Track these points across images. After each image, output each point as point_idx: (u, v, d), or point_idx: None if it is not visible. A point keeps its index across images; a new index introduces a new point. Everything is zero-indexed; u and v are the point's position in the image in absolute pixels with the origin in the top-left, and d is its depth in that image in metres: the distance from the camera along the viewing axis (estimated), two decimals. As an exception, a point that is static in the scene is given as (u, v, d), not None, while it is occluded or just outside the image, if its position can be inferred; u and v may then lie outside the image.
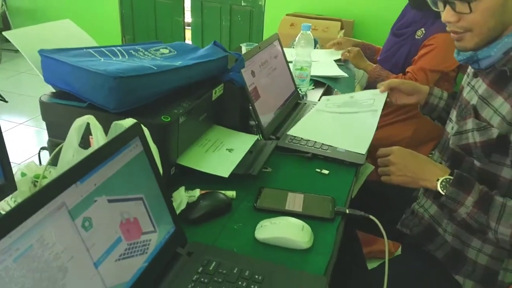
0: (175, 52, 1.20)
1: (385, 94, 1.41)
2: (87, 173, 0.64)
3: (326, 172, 1.18)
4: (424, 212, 1.19)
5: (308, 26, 1.70)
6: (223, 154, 1.12)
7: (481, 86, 1.04)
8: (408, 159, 1.10)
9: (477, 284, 1.08)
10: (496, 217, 0.96)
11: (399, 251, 1.65)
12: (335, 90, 1.89)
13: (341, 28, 3.26)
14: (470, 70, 1.13)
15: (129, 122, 0.82)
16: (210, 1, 4.17)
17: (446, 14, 1.00)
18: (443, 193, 1.01)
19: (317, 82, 1.89)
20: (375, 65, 2.01)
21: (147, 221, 0.77)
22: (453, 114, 1.16)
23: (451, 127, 1.15)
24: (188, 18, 4.43)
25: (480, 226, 0.98)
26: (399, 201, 1.32)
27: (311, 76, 1.81)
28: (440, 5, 1.03)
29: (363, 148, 1.26)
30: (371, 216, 0.98)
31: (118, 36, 4.59)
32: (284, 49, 1.63)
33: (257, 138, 1.23)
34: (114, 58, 1.09)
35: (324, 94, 1.80)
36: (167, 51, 1.20)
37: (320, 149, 1.27)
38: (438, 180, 1.02)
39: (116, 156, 0.71)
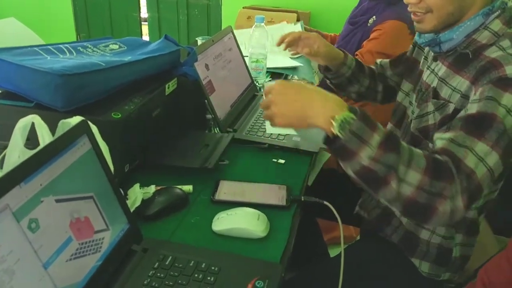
0: (125, 48, 1.18)
1: None
2: (31, 173, 0.63)
3: (282, 161, 1.19)
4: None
5: (262, 19, 1.71)
6: None
7: (441, 68, 1.06)
8: (291, 93, 0.87)
9: (433, 265, 1.11)
10: (406, 161, 0.80)
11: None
12: (294, 77, 1.91)
13: (298, 20, 3.28)
14: (429, 54, 1.16)
15: (76, 120, 0.80)
16: (166, -4, 4.11)
17: None
18: (340, 134, 0.79)
19: (274, 73, 1.90)
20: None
21: (99, 220, 0.76)
22: (413, 98, 1.18)
23: (411, 111, 1.17)
24: (144, 13, 4.35)
25: (386, 171, 0.80)
26: (354, 188, 1.35)
27: (268, 68, 1.82)
28: None
29: None
30: (325, 202, 1.00)
31: (72, 34, 4.47)
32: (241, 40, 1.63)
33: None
34: (61, 56, 1.06)
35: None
36: (117, 46, 1.18)
37: (276, 139, 1.29)
38: (333, 118, 0.80)
39: (62, 155, 0.70)
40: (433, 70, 1.10)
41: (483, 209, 1.09)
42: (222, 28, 3.88)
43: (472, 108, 0.88)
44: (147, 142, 1.10)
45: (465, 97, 0.95)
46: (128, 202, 0.91)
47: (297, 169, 1.17)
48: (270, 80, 1.84)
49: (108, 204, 0.79)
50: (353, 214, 1.31)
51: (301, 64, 1.98)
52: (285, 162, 1.19)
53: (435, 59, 1.11)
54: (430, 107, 1.06)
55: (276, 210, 0.98)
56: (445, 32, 1.01)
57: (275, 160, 1.20)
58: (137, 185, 0.96)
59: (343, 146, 0.80)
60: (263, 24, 1.70)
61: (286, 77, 1.91)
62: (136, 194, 0.93)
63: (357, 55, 1.91)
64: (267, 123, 1.33)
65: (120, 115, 0.95)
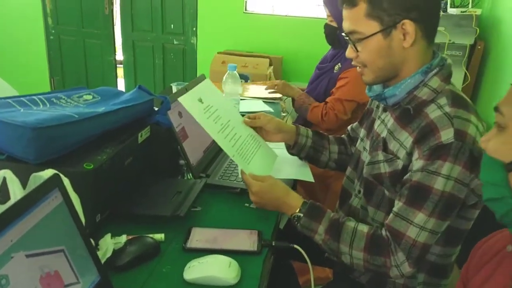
0: (99, 98, 1.21)
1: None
2: (1, 229, 0.64)
3: (254, 206, 1.21)
4: None
5: (234, 67, 1.77)
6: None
7: (390, 120, 1.14)
8: (266, 199, 1.14)
9: None
10: (349, 242, 1.04)
11: (333, 277, 1.70)
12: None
13: (270, 64, 3.40)
14: (380, 104, 1.24)
15: (48, 173, 0.81)
16: (141, 40, 4.19)
17: (348, 51, 1.12)
18: (297, 226, 1.10)
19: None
20: (301, 92, 2.14)
21: (69, 273, 0.76)
22: (367, 144, 1.24)
23: (365, 156, 1.24)
24: (120, 56, 4.41)
25: (332, 252, 1.08)
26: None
27: (241, 112, 1.87)
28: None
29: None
30: (295, 246, 1.03)
31: (46, 78, 4.47)
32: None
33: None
34: (35, 108, 1.08)
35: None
36: (91, 97, 1.20)
37: (248, 184, 1.31)
38: (292, 214, 1.11)
39: (33, 210, 0.71)
40: (383, 120, 1.17)
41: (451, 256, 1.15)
42: (198, 71, 3.96)
43: (416, 176, 1.01)
44: (119, 191, 1.11)
45: (410, 155, 1.04)
46: (99, 253, 0.92)
47: (268, 213, 1.19)
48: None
49: (79, 256, 0.79)
50: (325, 256, 1.33)
51: (271, 110, 2.05)
52: (257, 207, 1.22)
53: (384, 109, 1.19)
54: (380, 156, 1.13)
55: (247, 256, 1.00)
56: (389, 88, 1.10)
57: (247, 205, 1.22)
58: (108, 235, 0.96)
59: (302, 231, 1.10)
60: (235, 72, 1.76)
61: None
62: (107, 245, 0.93)
63: (326, 102, 2.01)
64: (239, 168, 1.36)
65: (92, 166, 0.97)
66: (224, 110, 1.29)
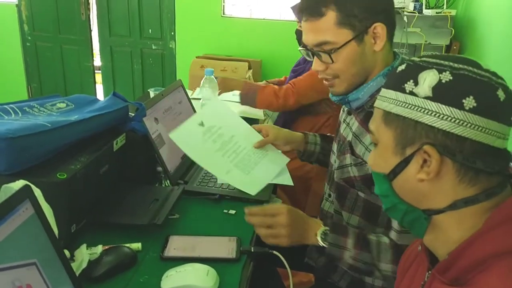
0: (73, 106, 1.19)
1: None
2: (-31, 244, 0.62)
3: (233, 212, 1.21)
4: (324, 242, 1.25)
5: (211, 71, 1.77)
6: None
7: (354, 123, 1.14)
8: (298, 222, 1.05)
9: None
10: (376, 256, 1.00)
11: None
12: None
13: (249, 68, 3.40)
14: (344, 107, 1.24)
15: (19, 184, 0.80)
16: (119, 46, 4.15)
17: (315, 64, 1.09)
18: (325, 245, 1.02)
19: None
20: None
21: (42, 286, 0.74)
22: (335, 147, 1.24)
23: (334, 160, 1.24)
24: (98, 61, 4.36)
25: (367, 267, 1.01)
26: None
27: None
28: (311, 55, 1.12)
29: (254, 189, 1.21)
30: (274, 252, 1.03)
31: (23, 86, 4.39)
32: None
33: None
34: (6, 117, 1.06)
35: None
36: (64, 105, 1.19)
37: (227, 189, 1.31)
38: (316, 234, 1.03)
39: (2, 223, 0.69)
40: (348, 123, 1.17)
41: None
42: (178, 76, 3.94)
43: None
44: (95, 200, 1.09)
45: None
46: (75, 264, 0.90)
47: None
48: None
49: (52, 269, 0.77)
50: (304, 260, 1.33)
51: (251, 117, 2.02)
52: (236, 213, 1.21)
53: (349, 113, 1.19)
54: (348, 160, 1.13)
55: (226, 263, 0.99)
56: (353, 92, 1.09)
57: (226, 211, 1.22)
58: (83, 246, 0.95)
59: (330, 251, 1.02)
60: (212, 76, 1.76)
61: None
62: (83, 255, 0.92)
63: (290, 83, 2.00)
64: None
65: (65, 175, 0.95)
66: (228, 127, 1.32)
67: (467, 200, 0.63)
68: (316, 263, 1.26)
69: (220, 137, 1.28)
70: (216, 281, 0.91)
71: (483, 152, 0.61)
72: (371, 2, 1.02)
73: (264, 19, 3.77)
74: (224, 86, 2.06)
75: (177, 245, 1.03)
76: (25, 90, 4.41)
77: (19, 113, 1.09)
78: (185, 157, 1.44)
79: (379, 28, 1.02)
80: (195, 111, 1.68)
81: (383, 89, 0.70)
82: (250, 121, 1.98)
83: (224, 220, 1.19)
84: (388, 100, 0.67)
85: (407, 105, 0.64)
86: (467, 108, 0.60)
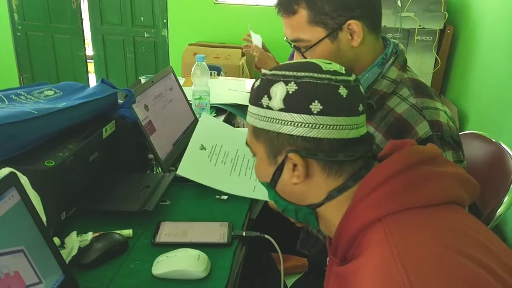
0: (61, 93, 1.18)
1: None
2: (-48, 232, 0.61)
3: (225, 197, 1.21)
4: (318, 233, 1.25)
5: (202, 57, 1.74)
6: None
7: None
8: None
9: None
10: None
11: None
12: (238, 117, 1.94)
13: (243, 55, 3.37)
14: None
15: (4, 172, 0.79)
16: (111, 34, 4.11)
17: (296, 58, 1.08)
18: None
19: (219, 109, 1.93)
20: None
21: (31, 273, 0.74)
22: None
23: None
24: (90, 51, 4.33)
25: None
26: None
27: (212, 104, 1.85)
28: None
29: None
30: (266, 236, 1.02)
31: (15, 76, 4.36)
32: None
33: None
34: (-8, 105, 1.04)
35: (225, 120, 1.85)
36: (52, 92, 1.17)
37: (219, 176, 1.30)
38: None
39: (-13, 211, 0.68)
40: None
41: None
42: (171, 63, 3.92)
43: None
44: (85, 188, 1.08)
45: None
46: (65, 251, 0.89)
47: (239, 204, 1.18)
48: (215, 116, 1.87)
49: (41, 256, 0.77)
50: (297, 247, 1.34)
51: (246, 103, 2.01)
52: (228, 198, 1.21)
53: None
54: None
55: (217, 248, 0.99)
56: None
57: (218, 197, 1.21)
58: (74, 233, 0.94)
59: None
60: (204, 62, 1.74)
61: (230, 115, 1.93)
62: (73, 243, 0.91)
63: None
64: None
65: (53, 163, 0.94)
66: (228, 142, 1.32)
67: (339, 189, 0.69)
68: (309, 251, 1.26)
69: (227, 156, 1.29)
70: (207, 265, 0.91)
71: (340, 145, 0.67)
72: None
73: (257, 5, 3.74)
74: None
75: (168, 231, 1.03)
76: (17, 80, 4.37)
77: (5, 101, 1.07)
78: (176, 144, 1.44)
79: (354, 25, 0.98)
80: (186, 98, 1.67)
81: (249, 105, 0.74)
82: (243, 107, 1.98)
83: (216, 205, 1.18)
84: (254, 116, 0.72)
85: (267, 118, 0.69)
86: (315, 112, 0.65)
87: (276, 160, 0.71)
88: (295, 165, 0.69)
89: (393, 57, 1.04)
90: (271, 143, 0.70)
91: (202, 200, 1.20)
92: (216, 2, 3.76)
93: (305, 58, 1.05)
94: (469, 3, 2.87)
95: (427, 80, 2.96)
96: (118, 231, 1.00)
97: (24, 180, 0.80)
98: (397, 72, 1.03)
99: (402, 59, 1.05)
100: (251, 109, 0.73)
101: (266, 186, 0.76)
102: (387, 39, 1.09)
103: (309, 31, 1.01)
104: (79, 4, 4.11)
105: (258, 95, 0.71)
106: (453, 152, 0.96)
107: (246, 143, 0.78)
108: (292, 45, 1.07)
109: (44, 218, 0.81)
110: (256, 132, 0.72)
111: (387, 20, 2.85)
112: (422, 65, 2.93)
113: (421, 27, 2.87)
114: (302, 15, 1.00)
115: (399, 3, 2.80)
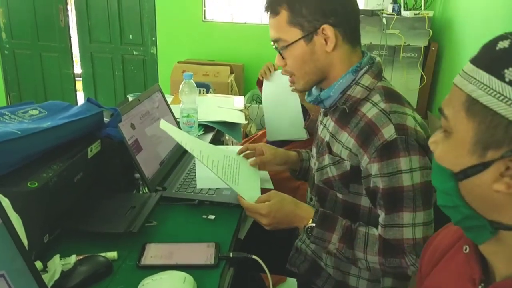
0: (46, 113, 1.16)
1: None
2: None
3: (213, 217, 1.19)
4: (306, 248, 1.24)
5: (190, 75, 1.75)
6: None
7: (330, 123, 1.14)
8: (279, 217, 1.10)
9: None
10: (363, 248, 1.03)
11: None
12: (225, 136, 1.94)
13: (231, 72, 3.39)
14: (321, 109, 1.24)
15: (-15, 194, 0.77)
16: (100, 52, 4.11)
17: (276, 59, 1.14)
18: (310, 238, 1.08)
19: (207, 126, 1.93)
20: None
21: (11, 299, 0.72)
22: (314, 151, 1.25)
23: (313, 163, 1.24)
24: (78, 69, 4.31)
25: (348, 260, 1.06)
26: (287, 239, 1.37)
27: (201, 121, 1.84)
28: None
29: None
30: (253, 256, 1.01)
31: (1, 94, 4.32)
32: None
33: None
34: (-25, 126, 1.03)
35: (213, 138, 1.85)
36: (37, 112, 1.16)
37: (206, 194, 1.29)
38: (305, 226, 1.09)
39: (-34, 235, 0.66)
40: (325, 124, 1.19)
41: None
42: (160, 81, 3.92)
43: (381, 184, 1.00)
44: (69, 209, 1.07)
45: (356, 156, 1.04)
46: (47, 275, 0.87)
47: (227, 224, 1.17)
48: (203, 133, 1.86)
49: (22, 281, 0.75)
50: (286, 266, 1.32)
51: (233, 121, 1.98)
52: (215, 218, 1.19)
53: (325, 114, 1.20)
54: (327, 160, 1.13)
55: (204, 270, 0.97)
56: (324, 90, 1.11)
57: (205, 217, 1.20)
58: (57, 257, 0.92)
59: (315, 242, 1.08)
60: (191, 80, 1.74)
61: (218, 132, 1.93)
62: (56, 266, 0.89)
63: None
64: (198, 179, 1.33)
65: (37, 184, 0.92)
66: (207, 148, 1.31)
67: None
68: (299, 269, 1.25)
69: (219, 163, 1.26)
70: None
71: None
72: (320, 4, 1.05)
73: (245, 23, 3.77)
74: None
75: (154, 253, 1.01)
76: (4, 99, 4.33)
77: (-11, 121, 1.06)
78: (163, 163, 1.42)
79: (328, 30, 1.05)
80: (174, 116, 1.66)
81: (470, 64, 0.55)
82: (232, 125, 1.97)
83: (204, 225, 1.17)
84: (477, 84, 0.53)
85: (503, 98, 0.50)
86: None
87: (485, 153, 0.53)
88: (508, 168, 0.52)
89: (367, 66, 1.08)
90: (491, 130, 0.52)
91: (189, 220, 1.19)
92: (205, 20, 3.79)
93: (283, 57, 1.11)
94: (451, 20, 2.93)
95: (413, 96, 2.99)
96: (103, 254, 0.98)
97: (5, 202, 0.78)
98: (370, 80, 1.07)
99: (376, 68, 1.09)
100: (477, 73, 0.54)
101: (444, 173, 0.59)
102: (365, 52, 1.13)
103: (288, 32, 1.07)
104: (68, 22, 4.11)
105: (501, 62, 0.52)
106: (420, 157, 0.98)
107: (441, 112, 0.59)
108: (274, 46, 1.12)
109: (25, 242, 0.79)
110: (473, 107, 0.53)
111: (373, 37, 2.89)
112: (408, 81, 2.96)
113: (406, 44, 2.91)
114: (283, 15, 1.07)
115: (384, 20, 2.84)
